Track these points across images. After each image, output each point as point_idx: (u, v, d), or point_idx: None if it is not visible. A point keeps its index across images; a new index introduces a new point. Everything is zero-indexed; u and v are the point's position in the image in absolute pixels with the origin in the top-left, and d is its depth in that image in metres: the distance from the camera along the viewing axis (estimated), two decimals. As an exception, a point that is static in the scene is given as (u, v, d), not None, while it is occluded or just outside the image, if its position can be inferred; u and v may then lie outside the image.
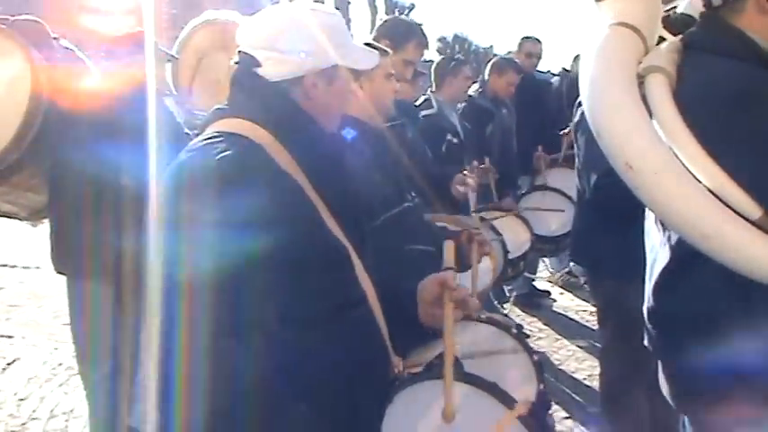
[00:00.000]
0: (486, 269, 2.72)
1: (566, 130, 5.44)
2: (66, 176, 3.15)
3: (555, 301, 6.21)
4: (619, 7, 1.95)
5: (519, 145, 5.32)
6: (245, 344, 1.31)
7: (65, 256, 3.20)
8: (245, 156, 1.38)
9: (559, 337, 5.32)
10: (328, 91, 1.53)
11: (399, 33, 3.09)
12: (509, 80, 5.12)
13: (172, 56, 3.74)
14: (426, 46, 3.30)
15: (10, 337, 5.33)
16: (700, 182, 1.72)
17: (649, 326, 2.08)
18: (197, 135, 1.60)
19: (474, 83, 5.14)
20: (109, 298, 3.27)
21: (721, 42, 1.82)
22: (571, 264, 6.60)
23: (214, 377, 1.31)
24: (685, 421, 2.07)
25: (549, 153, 5.16)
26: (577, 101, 3.01)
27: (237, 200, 1.31)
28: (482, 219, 3.79)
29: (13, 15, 3.31)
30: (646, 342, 2.16)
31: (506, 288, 5.63)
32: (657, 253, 2.03)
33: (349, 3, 34.54)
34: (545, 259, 6.51)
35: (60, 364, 4.78)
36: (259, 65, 1.49)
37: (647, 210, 2.08)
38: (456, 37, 48.10)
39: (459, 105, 4.92)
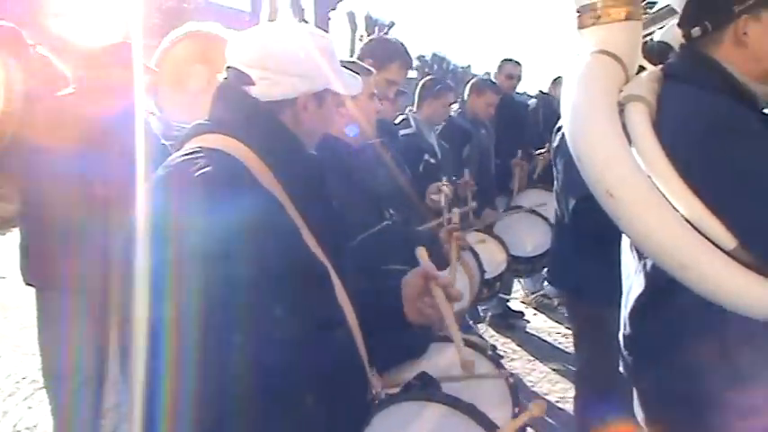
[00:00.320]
0: (463, 288, 2.73)
1: (542, 151, 5.52)
2: (39, 187, 3.10)
3: (529, 322, 6.24)
4: (600, 35, 1.97)
5: (497, 165, 5.35)
6: (225, 364, 1.29)
7: (35, 268, 3.15)
8: (226, 172, 1.36)
9: (532, 358, 5.33)
10: (317, 113, 1.54)
11: (383, 53, 3.10)
12: (488, 101, 5.16)
13: (151, 69, 3.71)
14: (410, 66, 3.31)
15: (-26, 348, 5.22)
16: (678, 211, 1.74)
17: (625, 352, 2.09)
18: (175, 147, 1.58)
19: (453, 103, 5.17)
20: (79, 310, 3.23)
21: (699, 74, 1.85)
22: (545, 285, 6.68)
23: (200, 396, 1.30)
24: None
25: (525, 175, 5.21)
26: (557, 125, 3.04)
27: (217, 217, 1.29)
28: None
29: (-10, 22, 3.28)
30: (621, 368, 2.17)
31: (481, 308, 5.64)
32: (633, 280, 2.04)
33: (329, 19, 34.65)
34: (520, 280, 6.54)
35: (24, 378, 4.67)
36: (252, 83, 1.48)
37: (623, 236, 2.10)
38: (434, 56, 48.56)
39: (436, 127, 4.94)
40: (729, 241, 1.72)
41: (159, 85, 4.94)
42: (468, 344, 2.36)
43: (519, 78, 5.93)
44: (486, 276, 3.87)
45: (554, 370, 5.11)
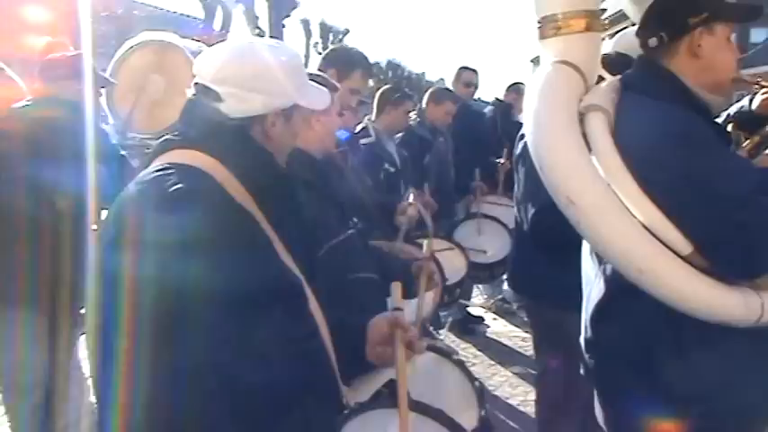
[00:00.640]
0: (427, 297, 2.76)
1: (501, 160, 5.61)
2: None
3: (489, 327, 6.30)
4: (561, 46, 2.03)
5: (456, 173, 5.41)
6: (202, 380, 1.29)
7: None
8: (200, 188, 1.37)
9: (493, 362, 5.39)
10: (285, 129, 1.55)
11: (345, 62, 3.12)
12: (446, 110, 5.22)
13: (108, 80, 3.67)
14: (371, 75, 3.34)
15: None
16: (635, 218, 1.80)
17: (586, 355, 2.14)
18: (143, 162, 1.57)
19: (411, 111, 5.22)
20: (42, 326, 3.18)
21: (656, 85, 1.92)
22: (504, 290, 6.77)
23: (176, 411, 1.30)
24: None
25: (486, 181, 5.28)
26: (520, 133, 3.10)
27: (192, 233, 1.29)
28: (417, 244, 3.82)
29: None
30: (582, 370, 2.22)
31: (441, 314, 5.68)
32: (593, 285, 2.10)
33: (283, 26, 34.54)
34: (479, 286, 6.61)
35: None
36: (220, 100, 1.48)
37: (582, 243, 2.16)
38: (390, 63, 48.77)
39: (396, 135, 4.97)
40: (685, 246, 1.79)
41: (115, 94, 4.89)
42: (434, 349, 2.40)
43: (476, 86, 6.00)
44: (447, 283, 3.91)
45: (515, 374, 5.17)
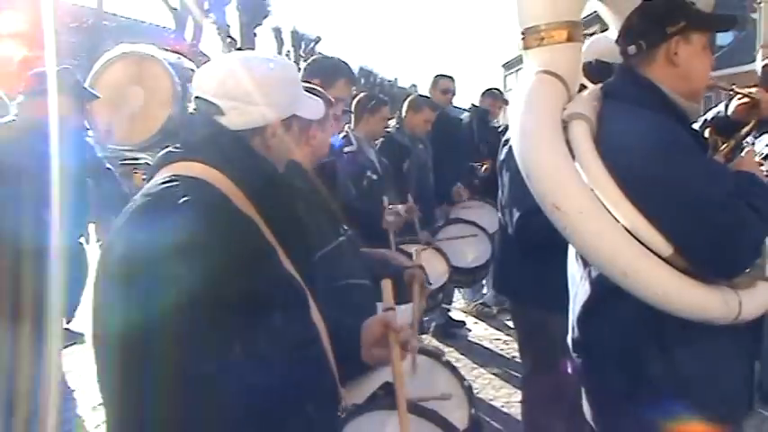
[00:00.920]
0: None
1: (483, 167, 5.71)
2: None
3: (470, 330, 6.37)
4: (544, 56, 2.11)
5: (435, 179, 5.48)
6: (209, 385, 1.33)
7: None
8: (206, 200, 1.40)
9: (476, 365, 5.45)
10: (285, 138, 1.60)
11: (328, 72, 3.17)
12: (425, 117, 5.29)
13: (93, 94, 3.68)
14: (354, 83, 3.39)
15: None
16: (618, 221, 1.88)
17: (574, 354, 2.21)
18: (147, 174, 1.60)
19: (390, 119, 5.28)
20: (5, 338, 3.19)
21: (635, 93, 2.00)
22: (484, 294, 6.86)
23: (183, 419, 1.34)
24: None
25: (465, 186, 5.38)
26: (504, 139, 3.18)
27: (200, 244, 1.33)
28: (401, 251, 3.88)
29: None
30: (569, 369, 2.29)
31: (424, 319, 5.74)
32: (579, 287, 2.17)
33: (255, 35, 34.51)
34: (460, 290, 6.68)
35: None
36: (221, 113, 1.52)
37: (569, 246, 2.23)
38: (361, 69, 48.84)
39: (376, 142, 5.03)
40: (665, 248, 1.87)
41: (93, 106, 4.89)
42: (423, 351, 2.46)
43: (454, 93, 6.09)
44: (430, 288, 3.97)
45: (497, 375, 5.24)
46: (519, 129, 2.03)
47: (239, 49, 31.81)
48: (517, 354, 5.62)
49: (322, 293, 1.71)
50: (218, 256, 1.33)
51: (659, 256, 1.87)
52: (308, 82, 2.80)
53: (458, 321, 6.41)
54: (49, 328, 3.22)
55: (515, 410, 4.53)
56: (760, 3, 25.11)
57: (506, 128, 6.69)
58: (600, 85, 2.11)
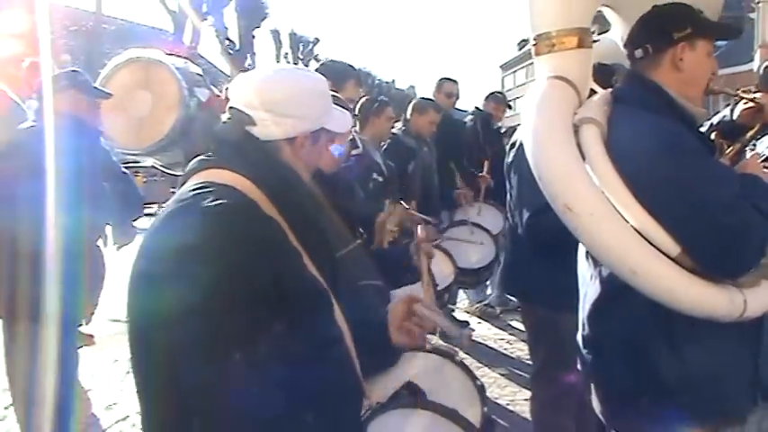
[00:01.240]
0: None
1: (483, 174, 5.78)
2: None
3: (474, 330, 6.44)
4: (555, 62, 2.17)
5: (440, 181, 5.55)
6: (229, 382, 1.39)
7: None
8: (236, 206, 1.47)
9: (480, 365, 5.51)
10: (312, 149, 1.67)
11: (338, 74, 3.25)
12: (430, 119, 5.36)
13: (105, 93, 3.74)
14: (361, 84, 3.46)
15: None
16: (628, 222, 1.94)
17: (584, 351, 2.27)
18: (180, 180, 1.66)
19: (396, 121, 5.35)
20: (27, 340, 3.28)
21: (645, 98, 2.07)
22: (488, 294, 6.93)
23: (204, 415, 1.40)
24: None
25: (469, 189, 5.44)
26: (511, 141, 3.24)
27: (235, 245, 1.40)
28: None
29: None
30: (579, 366, 2.35)
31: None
32: (589, 285, 2.24)
33: (254, 37, 34.62)
34: (466, 290, 6.75)
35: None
36: (253, 123, 1.59)
37: (578, 245, 2.30)
38: (359, 71, 48.88)
39: (382, 144, 5.09)
40: (673, 248, 1.93)
41: (102, 109, 4.94)
42: (436, 351, 2.52)
43: (458, 96, 6.17)
44: (436, 288, 4.04)
45: (502, 375, 5.31)
46: (531, 132, 2.09)
47: (238, 51, 31.95)
48: (521, 353, 5.73)
49: (343, 294, 1.77)
50: (246, 259, 1.40)
51: (667, 256, 1.93)
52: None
53: (462, 321, 6.47)
54: (65, 330, 3.28)
55: (520, 408, 4.61)
56: (758, 3, 25.21)
57: (508, 130, 6.81)
58: (610, 89, 2.18)
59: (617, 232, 1.95)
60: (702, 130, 2.51)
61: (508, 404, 4.75)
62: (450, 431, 1.92)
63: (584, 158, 2.02)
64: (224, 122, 1.64)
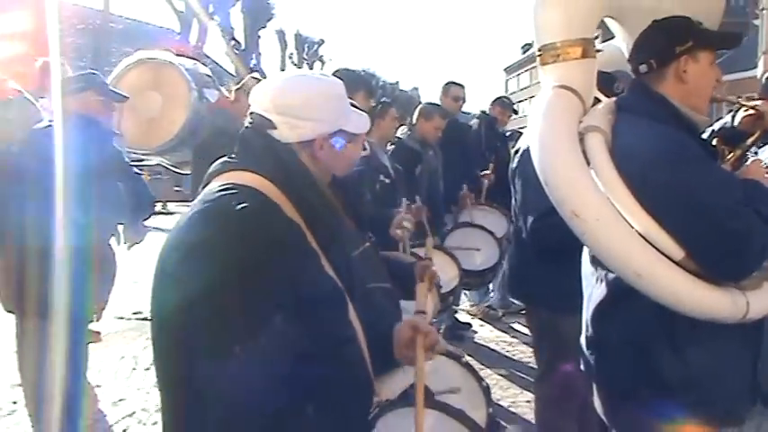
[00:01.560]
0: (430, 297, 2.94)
1: (486, 172, 5.83)
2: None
3: (476, 332, 6.50)
4: (561, 72, 2.23)
5: (445, 184, 5.61)
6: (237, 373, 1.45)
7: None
8: (261, 207, 1.53)
9: (482, 366, 5.56)
10: (331, 151, 1.72)
11: (349, 83, 3.28)
12: (436, 125, 5.40)
13: (122, 95, 3.80)
14: (373, 95, 3.50)
15: None
16: (633, 227, 2.00)
17: (587, 352, 2.32)
18: (204, 180, 1.71)
19: (402, 125, 5.40)
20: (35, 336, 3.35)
21: (647, 107, 2.12)
22: (490, 297, 6.98)
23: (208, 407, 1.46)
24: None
25: (472, 191, 5.49)
26: (515, 148, 3.30)
27: (256, 248, 1.46)
28: (414, 255, 3.99)
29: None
30: (582, 367, 2.41)
31: (433, 321, 5.84)
32: (593, 288, 2.29)
33: (259, 37, 34.71)
34: (466, 293, 6.80)
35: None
36: (274, 127, 1.65)
37: (581, 248, 2.35)
38: (364, 72, 48.92)
39: (388, 148, 5.15)
40: (677, 252, 1.99)
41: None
42: (444, 352, 2.57)
43: (464, 100, 6.23)
44: (441, 291, 4.09)
45: (503, 376, 5.36)
46: (538, 140, 2.15)
47: (243, 51, 32.05)
48: (522, 355, 5.78)
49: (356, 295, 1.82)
50: (265, 261, 1.46)
51: (671, 260, 1.98)
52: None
53: (464, 323, 6.54)
54: (74, 326, 3.34)
55: (521, 410, 4.67)
56: (762, 9, 25.25)
57: (513, 134, 6.86)
58: (614, 99, 2.24)
59: (622, 237, 2.00)
60: (704, 136, 2.56)
61: (510, 406, 4.80)
62: (457, 431, 1.97)
63: (589, 165, 2.07)
64: (246, 127, 1.69)
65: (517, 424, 4.44)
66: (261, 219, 1.51)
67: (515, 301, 5.62)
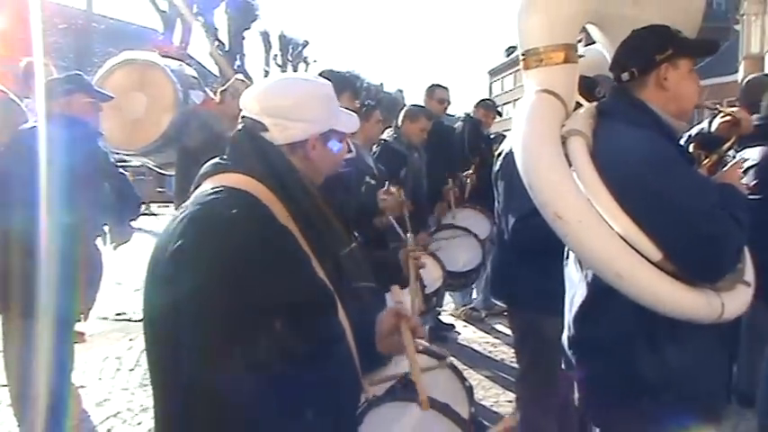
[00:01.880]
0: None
1: (469, 173, 5.88)
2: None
3: (459, 333, 6.55)
4: (543, 76, 2.29)
5: (429, 186, 5.64)
6: (229, 375, 1.47)
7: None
8: (251, 211, 1.55)
9: (465, 367, 5.59)
10: (323, 151, 1.75)
11: (334, 84, 3.31)
12: (421, 126, 5.44)
13: (108, 96, 3.80)
14: (358, 96, 3.53)
15: None
16: (613, 229, 2.05)
17: (569, 351, 2.37)
18: (194, 182, 1.73)
19: (387, 127, 5.43)
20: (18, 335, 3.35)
21: (628, 112, 2.17)
22: (473, 299, 7.04)
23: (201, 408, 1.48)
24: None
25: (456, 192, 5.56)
26: (498, 151, 3.35)
27: (246, 248, 1.48)
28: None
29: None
30: (564, 366, 2.45)
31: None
32: (576, 288, 2.34)
33: (243, 38, 34.59)
34: (450, 294, 6.85)
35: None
36: (266, 129, 1.67)
37: (563, 250, 2.40)
38: (349, 74, 48.82)
39: (373, 149, 5.18)
40: (655, 254, 2.04)
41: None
42: (427, 352, 2.61)
43: (449, 102, 6.27)
44: (425, 292, 4.13)
45: (486, 377, 5.41)
46: (521, 144, 2.20)
47: (227, 51, 31.93)
48: (505, 356, 5.84)
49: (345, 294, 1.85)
50: (260, 265, 1.49)
51: (650, 261, 2.03)
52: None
53: (447, 324, 6.58)
54: (59, 327, 3.34)
55: (504, 410, 4.72)
56: (743, 15, 25.58)
57: (498, 136, 6.91)
58: (595, 103, 2.29)
59: (603, 239, 2.05)
60: (681, 142, 2.63)
61: (492, 405, 4.86)
62: (442, 424, 2.01)
63: (571, 168, 2.12)
64: (237, 131, 1.72)
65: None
66: (252, 223, 1.53)
67: (498, 303, 5.67)
